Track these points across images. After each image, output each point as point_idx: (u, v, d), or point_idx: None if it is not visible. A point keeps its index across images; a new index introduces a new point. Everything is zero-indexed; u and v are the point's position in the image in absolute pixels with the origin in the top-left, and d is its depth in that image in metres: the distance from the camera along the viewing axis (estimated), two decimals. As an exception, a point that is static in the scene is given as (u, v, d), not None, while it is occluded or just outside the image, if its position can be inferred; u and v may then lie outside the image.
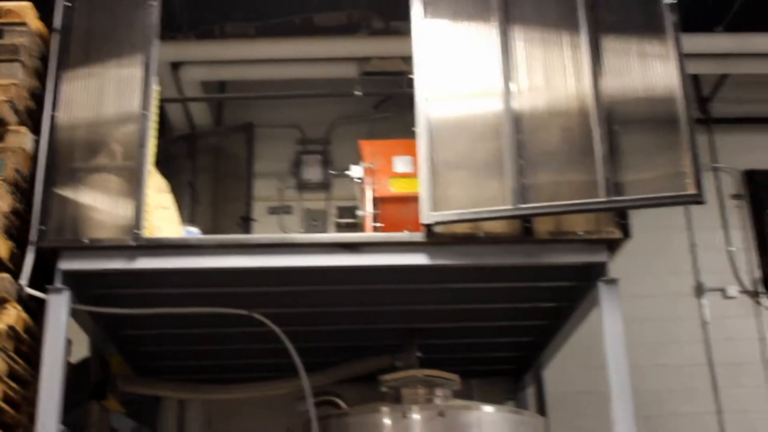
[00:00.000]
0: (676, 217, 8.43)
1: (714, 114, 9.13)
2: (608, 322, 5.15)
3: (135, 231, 5.11)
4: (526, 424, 5.78)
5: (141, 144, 5.31)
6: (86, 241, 5.13)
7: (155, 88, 5.53)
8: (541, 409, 7.36)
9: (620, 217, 5.30)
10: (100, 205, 5.20)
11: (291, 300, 5.84)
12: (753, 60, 8.44)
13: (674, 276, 8.36)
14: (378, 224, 6.14)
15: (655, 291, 8.25)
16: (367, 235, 5.94)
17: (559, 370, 7.50)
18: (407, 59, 5.62)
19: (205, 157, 8.76)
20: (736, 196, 8.82)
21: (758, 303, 8.37)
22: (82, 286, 5.26)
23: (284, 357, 5.35)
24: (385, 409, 5.40)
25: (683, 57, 5.21)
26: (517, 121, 5.23)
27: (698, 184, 4.94)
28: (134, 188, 5.20)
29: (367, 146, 6.46)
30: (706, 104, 9.16)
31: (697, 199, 4.95)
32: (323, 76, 8.30)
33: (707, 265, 8.42)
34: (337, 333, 6.47)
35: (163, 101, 7.40)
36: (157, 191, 5.82)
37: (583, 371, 7.43)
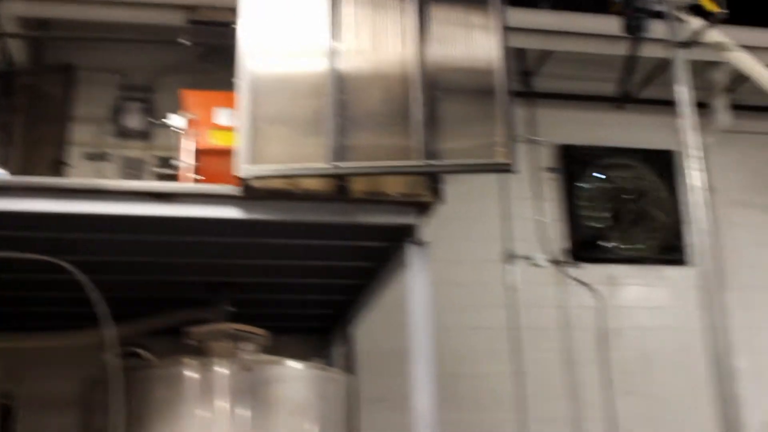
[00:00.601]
0: (492, 186, 8.68)
1: (537, 88, 9.42)
2: (415, 284, 5.26)
3: (-67, 168, 4.86)
4: (332, 381, 5.87)
5: (-55, 77, 5.03)
6: None
7: (-36, 20, 5.24)
8: (351, 367, 7.47)
9: (434, 181, 5.39)
10: None
11: (100, 248, 5.69)
12: (576, 38, 8.76)
13: (487, 243, 8.64)
14: (198, 176, 6.04)
15: (468, 256, 8.52)
16: (181, 185, 5.84)
17: (370, 329, 7.63)
18: (236, 10, 5.52)
19: (20, 97, 8.37)
20: (551, 169, 9.16)
21: (563, 272, 8.76)
22: None
23: (91, 306, 5.21)
24: (189, 361, 5.35)
25: (505, 30, 5.33)
26: (341, 81, 5.23)
27: (511, 154, 5.07)
28: (-65, 123, 4.94)
29: (190, 96, 6.32)
30: (529, 78, 9.44)
31: (509, 169, 5.10)
32: (150, 22, 8.07)
33: (519, 234, 8.73)
34: (148, 284, 6.36)
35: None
36: (-38, 128, 5.54)
37: (394, 330, 7.53)
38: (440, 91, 5.22)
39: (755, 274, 9.40)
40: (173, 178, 6.67)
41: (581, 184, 9.21)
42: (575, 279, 8.74)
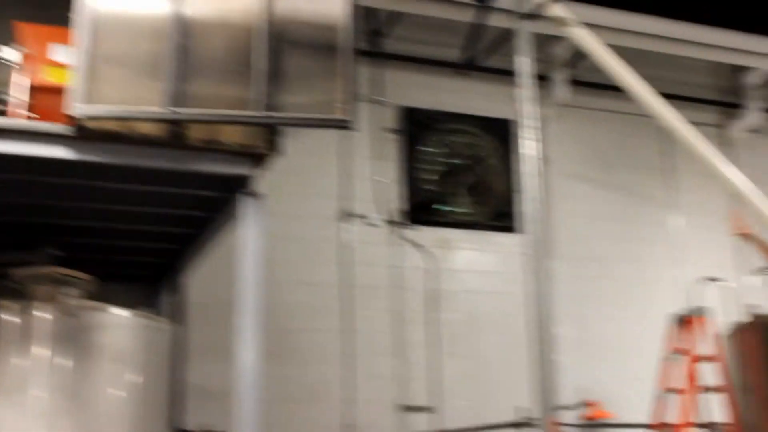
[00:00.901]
0: (334, 144, 8.70)
1: (386, 49, 9.44)
2: (247, 235, 5.23)
3: None
4: (158, 330, 5.77)
5: None
6: None
7: None
8: (180, 317, 7.40)
9: (273, 134, 5.36)
10: None
11: None
12: (425, 2, 8.83)
13: (324, 199, 8.67)
14: (30, 114, 5.80)
15: (305, 212, 8.53)
16: (10, 121, 5.57)
17: (203, 280, 7.56)
18: (77, -57, 5.30)
19: None
20: (394, 131, 9.24)
21: (398, 233, 8.88)
22: None
23: None
24: (8, 304, 5.16)
25: (352, -12, 5.33)
26: (184, 26, 5.11)
27: (350, 111, 5.09)
28: None
29: (25, 30, 6.05)
30: (379, 39, 9.45)
31: (347, 125, 5.12)
32: (-14, -52, 7.69)
33: (357, 193, 8.80)
34: (-30, 222, 6.12)
35: None
36: None
37: (226, 282, 7.53)
38: (285, 43, 5.18)
39: (584, 246, 9.79)
40: (2, 113, 6.40)
41: (422, 147, 9.35)
42: (409, 240, 8.89)
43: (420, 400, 8.50)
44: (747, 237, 6.68)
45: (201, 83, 5.06)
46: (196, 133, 5.23)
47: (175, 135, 5.20)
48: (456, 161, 9.47)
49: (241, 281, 5.17)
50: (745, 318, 9.03)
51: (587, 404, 9.01)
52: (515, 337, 8.16)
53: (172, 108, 4.97)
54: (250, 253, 5.21)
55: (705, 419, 8.22)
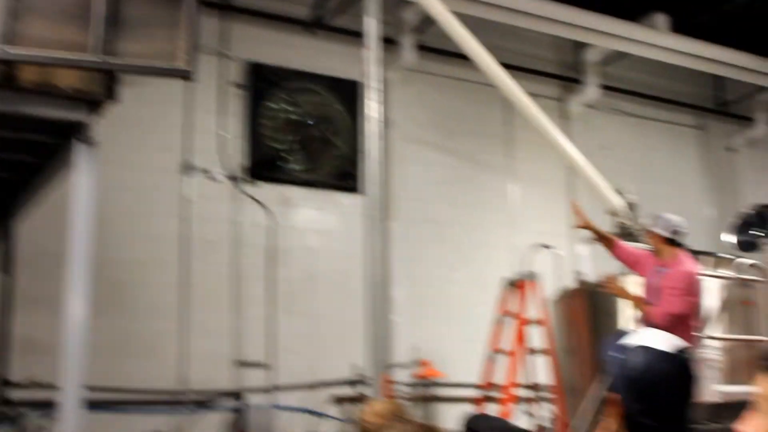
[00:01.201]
0: (177, 95, 8.49)
1: (235, 3, 9.28)
2: (80, 184, 5.08)
3: None
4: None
5: None
6: None
7: None
8: (8, 266, 7.14)
9: (111, 80, 5.21)
10: None
11: None
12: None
13: (166, 151, 8.49)
14: None
15: (145, 163, 8.34)
16: None
17: (34, 228, 7.30)
18: None
19: None
20: (239, 85, 9.11)
21: (239, 189, 8.80)
22: None
23: None
24: None
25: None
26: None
27: (191, 61, 5.00)
28: None
29: None
30: (228, -9, 9.31)
31: (187, 75, 5.03)
32: None
33: (199, 146, 8.64)
34: None
35: None
36: None
37: (60, 231, 7.33)
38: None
39: (424, 209, 9.95)
40: None
41: (267, 104, 9.26)
42: (250, 197, 8.81)
43: (256, 356, 8.49)
44: (587, 228, 6.98)
45: (35, 23, 4.85)
46: (28, 75, 5.03)
47: (5, 76, 4.99)
48: (301, 119, 9.43)
49: (72, 231, 5.02)
50: (571, 284, 9.42)
51: (420, 363, 9.22)
52: (352, 296, 8.25)
53: (3, 46, 4.76)
54: (82, 202, 5.07)
55: (530, 380, 8.53)
